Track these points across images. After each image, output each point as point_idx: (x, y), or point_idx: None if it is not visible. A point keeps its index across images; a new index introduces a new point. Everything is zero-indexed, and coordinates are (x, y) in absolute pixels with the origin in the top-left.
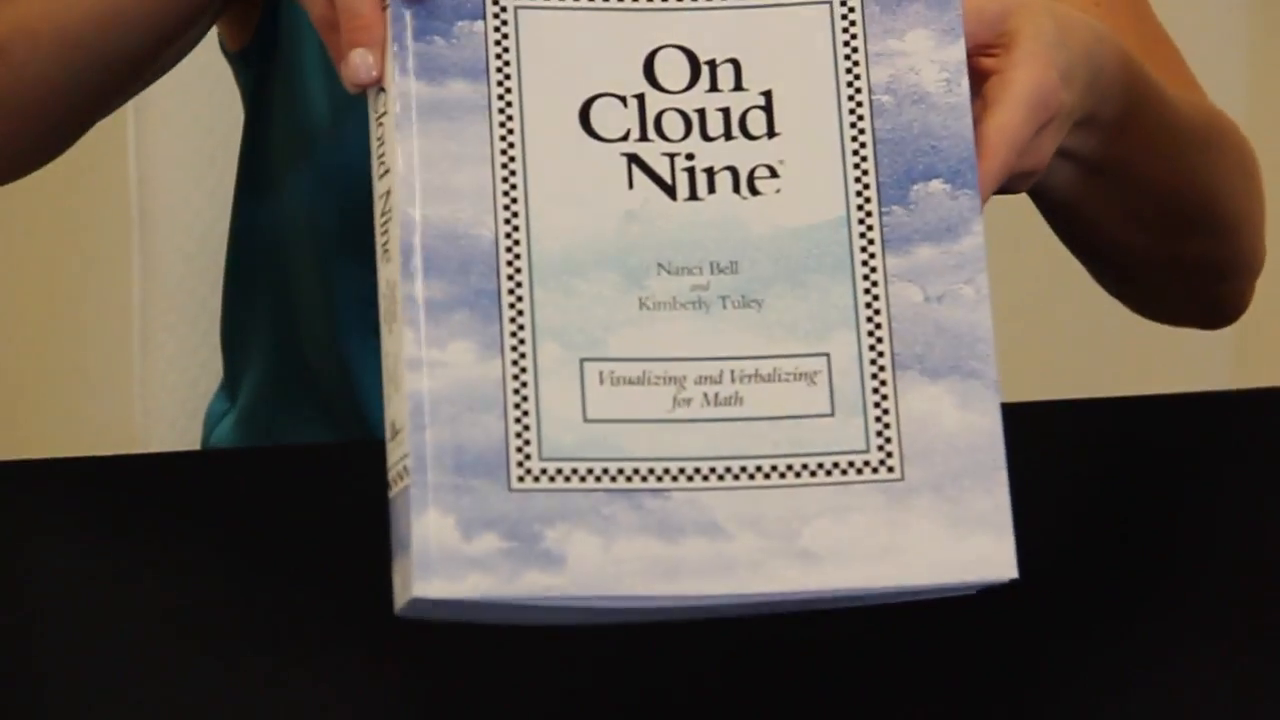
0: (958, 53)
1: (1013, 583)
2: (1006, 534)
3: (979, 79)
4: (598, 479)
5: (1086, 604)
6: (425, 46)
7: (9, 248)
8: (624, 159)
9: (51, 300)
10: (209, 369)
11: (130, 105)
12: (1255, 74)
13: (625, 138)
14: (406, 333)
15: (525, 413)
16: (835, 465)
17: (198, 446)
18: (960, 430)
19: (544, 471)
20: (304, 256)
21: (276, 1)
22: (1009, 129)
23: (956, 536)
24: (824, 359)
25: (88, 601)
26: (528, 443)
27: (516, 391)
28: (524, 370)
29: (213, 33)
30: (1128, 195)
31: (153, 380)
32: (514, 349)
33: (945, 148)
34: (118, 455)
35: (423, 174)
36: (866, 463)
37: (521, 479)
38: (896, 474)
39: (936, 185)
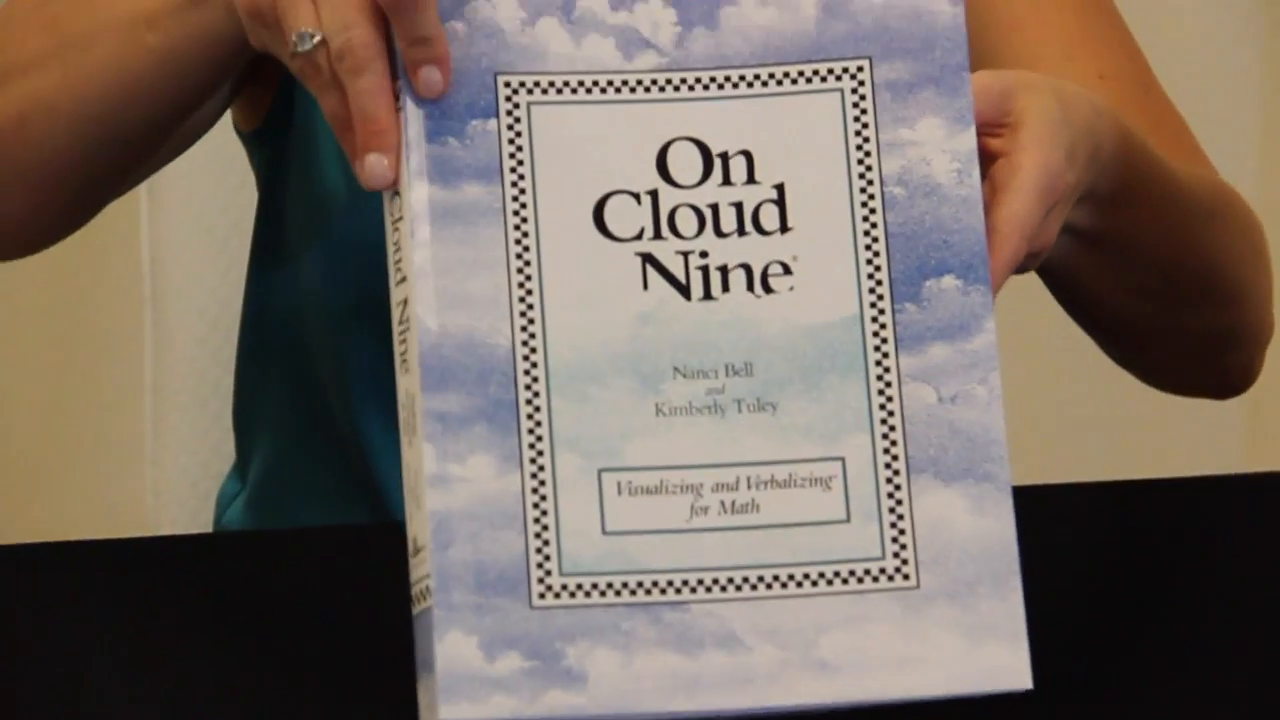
0: (969, 141)
1: None
2: (1021, 643)
3: (985, 159)
4: (617, 593)
5: (1094, 689)
6: (439, 148)
7: (21, 327)
8: (638, 259)
9: (63, 381)
10: (220, 451)
11: (143, 186)
12: (1267, 140)
13: (639, 236)
14: (427, 448)
15: (545, 527)
16: (851, 573)
17: (209, 529)
18: (974, 536)
19: (564, 587)
20: (319, 333)
21: (291, 80)
22: (1019, 217)
23: (971, 645)
24: (839, 463)
25: (98, 685)
26: (548, 558)
27: (536, 505)
28: (543, 483)
29: (226, 114)
30: (1128, 266)
31: (164, 462)
32: (532, 461)
33: (957, 242)
34: (129, 538)
35: (439, 282)
36: (882, 570)
37: (542, 595)
38: (912, 581)
39: (949, 281)
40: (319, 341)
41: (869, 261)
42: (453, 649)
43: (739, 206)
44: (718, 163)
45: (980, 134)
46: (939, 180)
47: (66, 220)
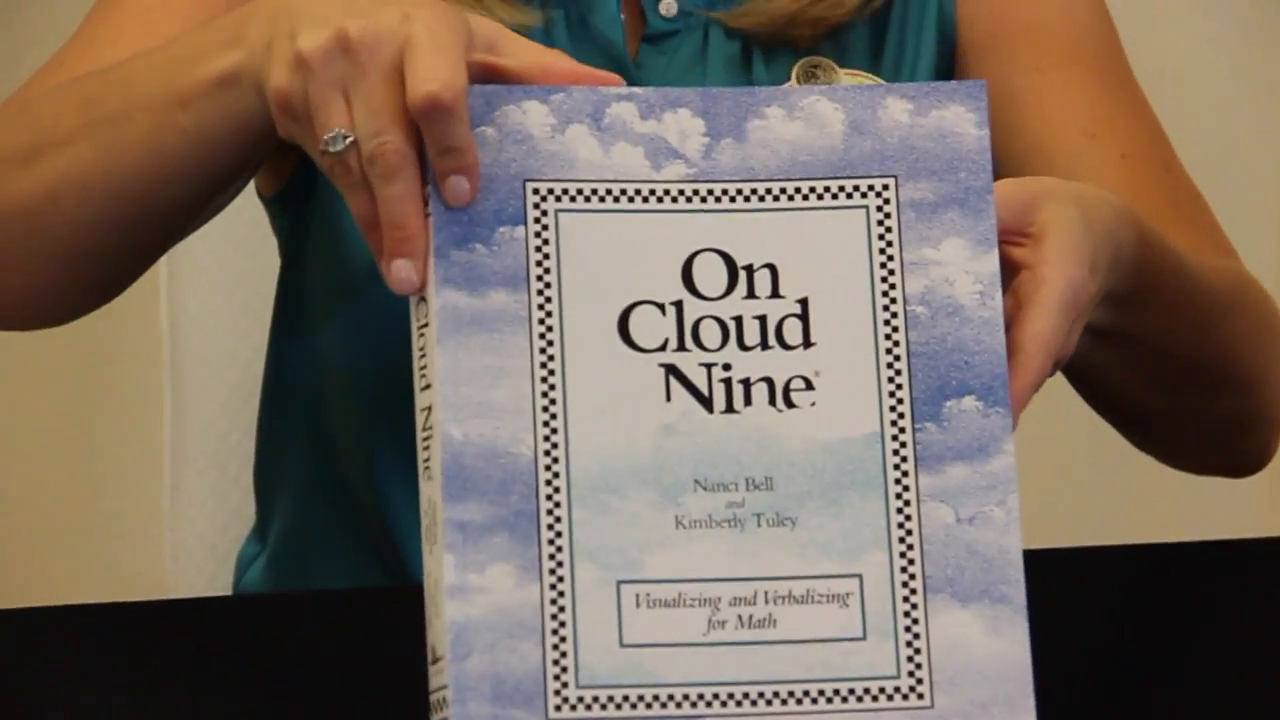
0: (991, 263)
1: None
2: None
3: (1008, 270)
4: (633, 706)
5: None
6: (466, 255)
7: (40, 392)
8: (662, 370)
9: (82, 445)
10: (240, 514)
11: None
12: None
13: (663, 348)
14: (447, 558)
15: (563, 639)
16: (866, 691)
17: (228, 592)
18: (989, 657)
19: (580, 700)
20: (341, 397)
21: None
22: (1044, 335)
23: None
24: (856, 580)
25: None
26: (565, 670)
27: (554, 617)
28: (561, 594)
29: None
30: (1144, 360)
31: (182, 526)
32: (552, 572)
33: (978, 363)
34: (147, 601)
35: (463, 390)
36: (897, 689)
37: (559, 708)
38: (926, 701)
39: (969, 402)
40: (340, 405)
41: (890, 379)
42: None
43: (763, 320)
44: (743, 275)
45: (1002, 243)
46: (961, 301)
47: (94, 294)
